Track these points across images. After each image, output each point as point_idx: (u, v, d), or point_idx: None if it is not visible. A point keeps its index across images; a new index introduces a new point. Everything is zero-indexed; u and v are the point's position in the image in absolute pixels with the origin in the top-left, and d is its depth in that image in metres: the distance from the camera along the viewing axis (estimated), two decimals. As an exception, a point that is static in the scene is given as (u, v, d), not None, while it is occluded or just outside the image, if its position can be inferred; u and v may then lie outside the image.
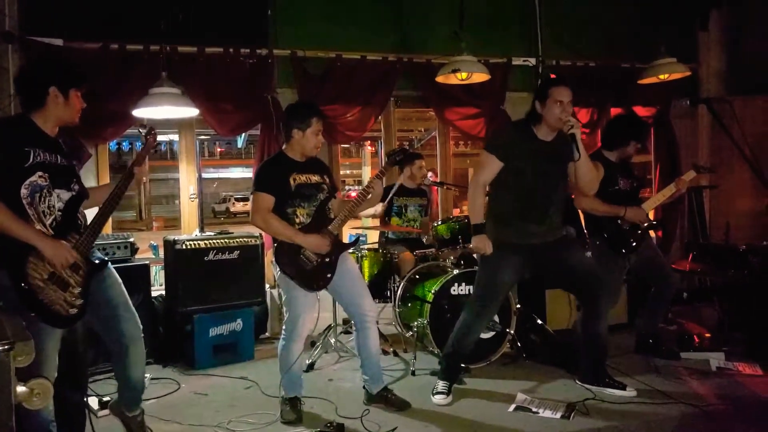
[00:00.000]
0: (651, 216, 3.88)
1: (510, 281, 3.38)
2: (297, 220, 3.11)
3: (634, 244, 3.73)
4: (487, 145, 3.38)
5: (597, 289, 3.33)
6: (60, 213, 2.41)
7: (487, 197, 3.35)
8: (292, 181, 3.10)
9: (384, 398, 3.29)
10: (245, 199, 26.09)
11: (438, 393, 3.36)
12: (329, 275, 3.12)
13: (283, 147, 3.26)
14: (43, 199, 2.35)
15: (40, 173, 2.34)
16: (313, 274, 3.09)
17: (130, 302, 2.68)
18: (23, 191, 2.30)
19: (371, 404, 3.30)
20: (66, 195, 2.44)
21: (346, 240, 5.05)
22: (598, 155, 3.81)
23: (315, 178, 3.19)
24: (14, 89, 3.96)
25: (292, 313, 3.12)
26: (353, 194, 3.49)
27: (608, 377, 3.41)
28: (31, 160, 2.31)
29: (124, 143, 9.83)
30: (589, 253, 3.78)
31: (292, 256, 3.06)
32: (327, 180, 3.26)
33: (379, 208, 4.57)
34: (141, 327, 2.71)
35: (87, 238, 2.46)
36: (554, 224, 3.29)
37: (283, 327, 3.18)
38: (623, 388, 3.35)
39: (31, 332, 2.21)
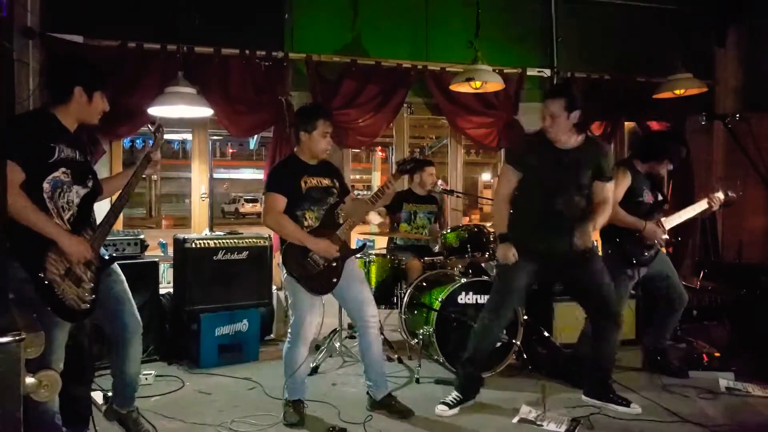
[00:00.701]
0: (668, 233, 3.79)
1: (524, 286, 3.34)
2: (306, 223, 3.12)
3: (647, 256, 3.68)
4: (505, 156, 3.42)
5: (611, 312, 3.31)
6: (77, 208, 2.45)
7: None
8: (303, 184, 3.12)
9: (388, 405, 3.27)
10: (255, 201, 26.20)
11: (443, 403, 3.31)
12: (335, 280, 3.13)
13: (295, 149, 3.29)
14: (62, 195, 2.39)
15: (63, 169, 2.38)
16: (320, 278, 3.09)
17: (132, 298, 2.75)
18: (45, 185, 2.33)
19: (374, 410, 3.28)
20: (82, 191, 2.48)
21: (353, 245, 5.06)
22: (629, 163, 3.77)
23: (326, 182, 3.21)
24: (41, 82, 4.02)
25: (298, 316, 3.12)
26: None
27: (612, 393, 3.37)
28: (56, 155, 2.36)
29: (137, 141, 9.87)
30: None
31: (299, 260, 3.06)
32: (337, 184, 3.27)
33: (382, 218, 4.61)
34: (141, 323, 2.77)
35: (100, 235, 2.51)
36: (570, 235, 3.22)
37: (289, 330, 3.19)
38: (627, 404, 3.31)
39: (42, 324, 2.26)
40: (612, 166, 3.24)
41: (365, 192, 22.90)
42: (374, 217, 4.61)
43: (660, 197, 3.82)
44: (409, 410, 3.26)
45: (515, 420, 3.19)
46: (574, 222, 3.19)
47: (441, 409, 3.28)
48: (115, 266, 2.70)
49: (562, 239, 3.17)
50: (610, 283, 3.32)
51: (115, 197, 2.72)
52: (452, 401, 3.32)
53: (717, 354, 4.01)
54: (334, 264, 3.12)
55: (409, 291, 4.17)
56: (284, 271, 3.10)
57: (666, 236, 3.68)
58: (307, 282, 3.06)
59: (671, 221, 3.77)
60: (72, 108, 2.46)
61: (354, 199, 3.39)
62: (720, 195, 3.87)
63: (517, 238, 3.24)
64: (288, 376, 3.15)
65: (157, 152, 2.75)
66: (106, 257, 2.60)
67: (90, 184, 2.52)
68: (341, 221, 3.18)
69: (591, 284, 3.29)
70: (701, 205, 3.86)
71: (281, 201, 3.07)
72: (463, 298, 3.90)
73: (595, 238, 4.46)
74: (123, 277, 2.71)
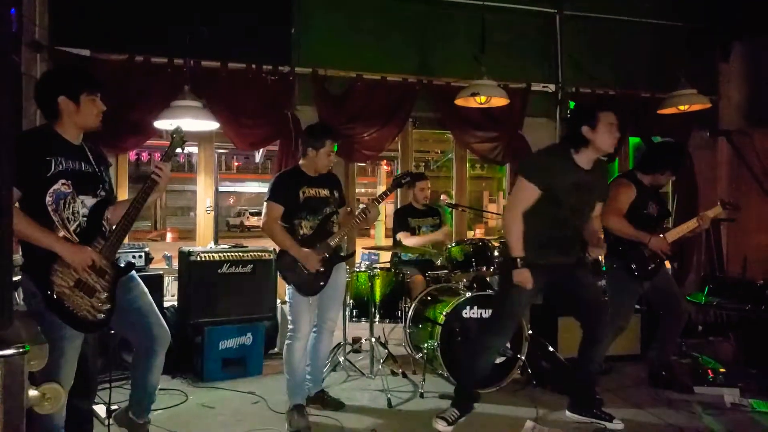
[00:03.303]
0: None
1: (527, 301, 3.30)
2: (301, 232, 3.34)
3: (651, 270, 3.67)
4: (526, 171, 3.11)
5: (599, 316, 3.27)
6: (84, 219, 2.44)
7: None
8: (301, 194, 3.34)
9: (321, 399, 3.56)
10: (260, 214, 26.17)
11: (440, 417, 3.25)
12: (322, 283, 3.35)
13: (300, 162, 3.47)
14: (67, 206, 2.39)
15: (62, 181, 2.37)
16: (309, 282, 3.31)
17: (156, 309, 2.74)
18: (48, 199, 2.34)
19: (309, 405, 3.45)
20: (90, 201, 2.47)
21: (358, 259, 5.06)
22: (632, 176, 3.77)
23: (324, 192, 3.42)
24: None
25: (294, 314, 3.32)
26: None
27: (596, 407, 3.33)
28: (52, 169, 2.35)
29: (143, 154, 9.94)
30: (602, 282, 3.71)
31: (290, 264, 3.30)
32: (336, 195, 3.47)
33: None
34: (169, 332, 2.75)
35: (112, 243, 2.48)
36: (575, 250, 3.23)
37: (289, 327, 3.36)
38: (610, 419, 3.26)
39: (54, 337, 2.27)
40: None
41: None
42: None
43: (663, 211, 3.81)
44: (341, 402, 3.55)
45: (519, 436, 3.17)
46: (576, 239, 3.19)
47: (439, 424, 3.22)
48: (137, 280, 2.69)
49: (566, 255, 3.17)
50: (598, 288, 3.32)
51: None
52: (450, 417, 3.25)
53: (722, 370, 3.98)
54: (322, 269, 3.33)
55: (413, 305, 4.16)
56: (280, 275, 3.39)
57: (669, 250, 3.67)
58: (296, 284, 3.29)
59: (668, 237, 3.75)
60: (65, 119, 2.44)
61: (347, 213, 3.58)
62: (710, 213, 3.82)
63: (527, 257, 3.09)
64: (290, 373, 3.32)
65: (165, 165, 2.58)
66: (123, 264, 2.58)
67: (101, 193, 2.51)
68: (334, 230, 3.39)
69: (580, 289, 3.24)
70: (692, 224, 3.81)
71: (278, 209, 3.32)
72: (467, 313, 3.89)
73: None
74: (146, 290, 2.71)
